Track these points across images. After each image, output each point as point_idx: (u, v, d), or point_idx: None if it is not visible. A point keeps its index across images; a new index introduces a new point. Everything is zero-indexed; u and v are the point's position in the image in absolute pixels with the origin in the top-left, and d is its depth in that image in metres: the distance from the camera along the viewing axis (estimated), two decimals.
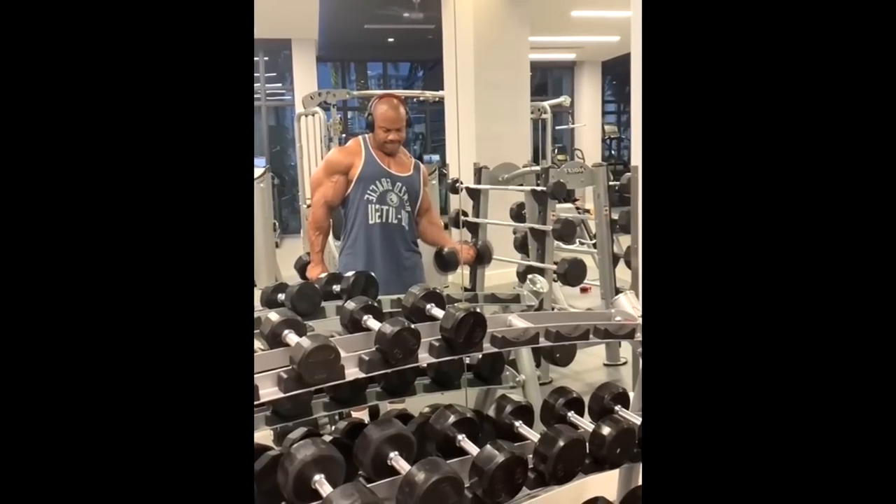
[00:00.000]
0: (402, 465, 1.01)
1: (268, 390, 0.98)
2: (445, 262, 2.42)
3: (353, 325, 1.18)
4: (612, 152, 10.97)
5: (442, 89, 5.47)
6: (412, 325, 1.08)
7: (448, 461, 1.05)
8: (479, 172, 3.43)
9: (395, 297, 1.55)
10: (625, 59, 2.60)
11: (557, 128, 8.22)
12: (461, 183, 3.44)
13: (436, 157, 8.70)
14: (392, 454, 1.03)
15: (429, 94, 6.06)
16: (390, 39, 8.80)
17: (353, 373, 1.05)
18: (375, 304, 1.21)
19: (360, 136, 2.46)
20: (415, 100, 7.86)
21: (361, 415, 1.65)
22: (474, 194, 3.38)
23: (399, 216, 2.37)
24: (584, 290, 4.27)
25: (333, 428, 1.36)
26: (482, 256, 2.70)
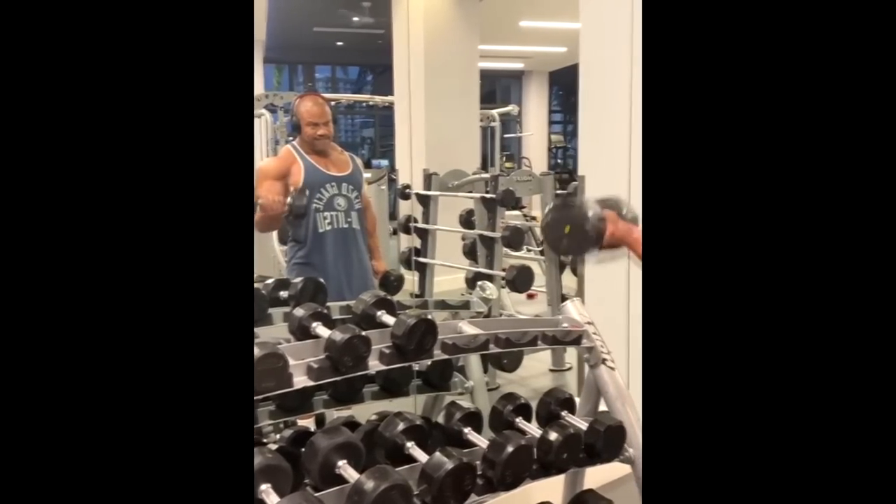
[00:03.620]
0: (350, 474, 1.00)
1: None
2: (389, 287, 2.43)
3: (301, 332, 1.16)
4: (559, 161, 11.16)
5: (391, 94, 5.47)
6: (362, 333, 1.07)
7: (397, 469, 1.04)
8: (428, 179, 3.44)
9: (344, 303, 1.54)
10: (571, 70, 2.66)
11: (506, 136, 8.31)
12: (411, 189, 3.44)
13: (385, 163, 8.66)
14: (340, 462, 1.02)
15: (378, 98, 6.04)
16: (339, 43, 8.74)
17: (301, 381, 1.03)
18: (325, 311, 1.20)
19: (287, 145, 2.42)
20: (364, 104, 7.82)
21: (308, 423, 1.63)
22: (424, 200, 3.39)
23: (349, 219, 2.35)
24: (530, 296, 4.32)
25: (279, 436, 1.34)
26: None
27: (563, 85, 11.04)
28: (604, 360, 1.39)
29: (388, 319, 1.15)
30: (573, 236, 1.17)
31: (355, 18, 6.97)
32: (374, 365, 1.10)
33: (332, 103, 2.46)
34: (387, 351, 1.10)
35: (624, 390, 1.39)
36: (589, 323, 1.43)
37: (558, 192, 3.31)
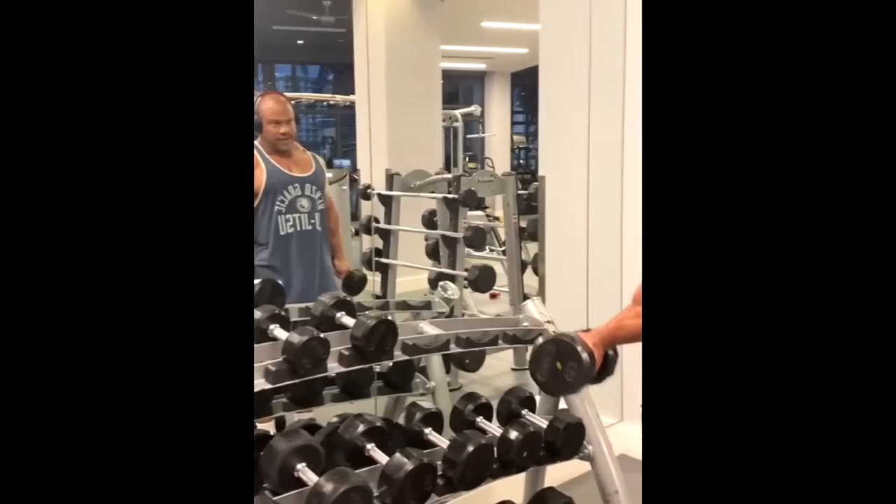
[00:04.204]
0: (309, 477, 0.99)
1: None
2: (352, 288, 2.42)
3: (259, 334, 1.15)
4: (521, 161, 11.24)
5: (352, 93, 5.43)
6: (321, 334, 1.06)
7: (357, 471, 1.04)
8: (391, 179, 3.43)
9: (303, 305, 1.52)
10: (533, 71, 2.68)
11: (469, 136, 8.34)
12: (373, 189, 3.42)
13: (346, 162, 8.60)
14: (299, 466, 1.01)
15: (339, 98, 6.00)
16: (300, 41, 8.64)
17: (259, 384, 1.02)
18: (282, 313, 1.18)
19: None
20: (325, 103, 7.76)
21: (267, 426, 1.60)
22: (386, 201, 3.37)
23: (312, 220, 2.33)
24: (493, 296, 4.34)
25: None
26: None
27: (525, 86, 11.13)
28: None
29: (348, 321, 1.14)
30: (569, 370, 1.19)
31: (315, 17, 6.90)
32: (334, 367, 1.10)
33: (293, 102, 2.43)
34: (346, 353, 1.10)
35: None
36: (549, 321, 1.45)
37: (519, 192, 3.33)
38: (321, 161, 2.47)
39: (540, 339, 1.39)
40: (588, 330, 1.27)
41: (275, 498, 0.97)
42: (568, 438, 1.27)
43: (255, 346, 1.10)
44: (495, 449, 1.19)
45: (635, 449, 2.38)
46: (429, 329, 1.25)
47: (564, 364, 1.20)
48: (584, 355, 1.19)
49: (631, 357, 2.58)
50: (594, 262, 2.51)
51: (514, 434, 1.20)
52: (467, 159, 8.25)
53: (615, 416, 2.64)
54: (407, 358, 1.21)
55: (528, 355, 1.35)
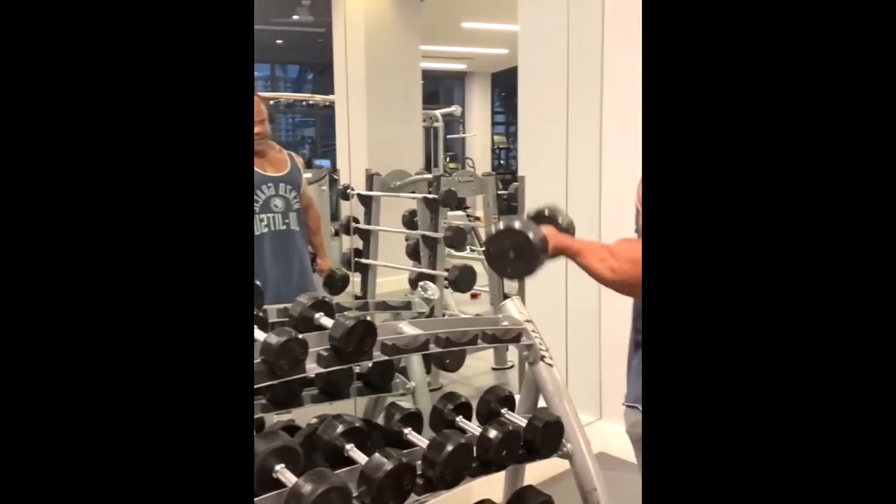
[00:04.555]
0: (288, 478, 0.99)
1: None
2: (334, 287, 2.42)
3: None
4: (502, 162, 11.28)
5: (332, 93, 5.40)
6: (299, 335, 1.06)
7: (336, 471, 1.04)
8: (370, 179, 3.42)
9: (282, 306, 1.52)
10: (513, 72, 2.69)
11: (449, 136, 8.34)
12: (352, 189, 3.41)
13: (326, 163, 8.56)
14: (278, 467, 1.00)
15: (318, 97, 5.97)
16: (279, 41, 8.58)
17: None
18: (260, 314, 1.18)
19: None
20: (304, 103, 7.72)
21: None
22: (366, 201, 3.37)
23: (287, 220, 2.31)
24: (474, 296, 4.35)
25: None
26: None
27: (506, 87, 11.16)
28: (542, 358, 1.42)
29: (327, 321, 1.14)
30: (518, 261, 1.19)
31: (295, 17, 6.86)
32: (312, 368, 1.09)
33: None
34: (325, 353, 1.09)
35: (562, 386, 1.41)
36: (528, 321, 1.45)
37: (500, 192, 3.35)
38: (297, 160, 2.46)
39: (523, 339, 1.40)
40: (558, 228, 1.27)
41: (254, 499, 0.97)
42: (547, 437, 1.28)
43: None
44: (475, 448, 1.19)
45: (614, 447, 2.41)
46: (408, 329, 1.25)
47: (517, 254, 1.20)
48: (539, 253, 1.18)
49: (609, 356, 2.60)
50: (572, 262, 2.52)
51: (493, 433, 1.20)
52: (448, 159, 8.26)
53: (594, 415, 2.67)
54: (386, 358, 1.21)
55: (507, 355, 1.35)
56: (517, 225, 1.24)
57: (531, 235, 1.18)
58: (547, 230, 1.21)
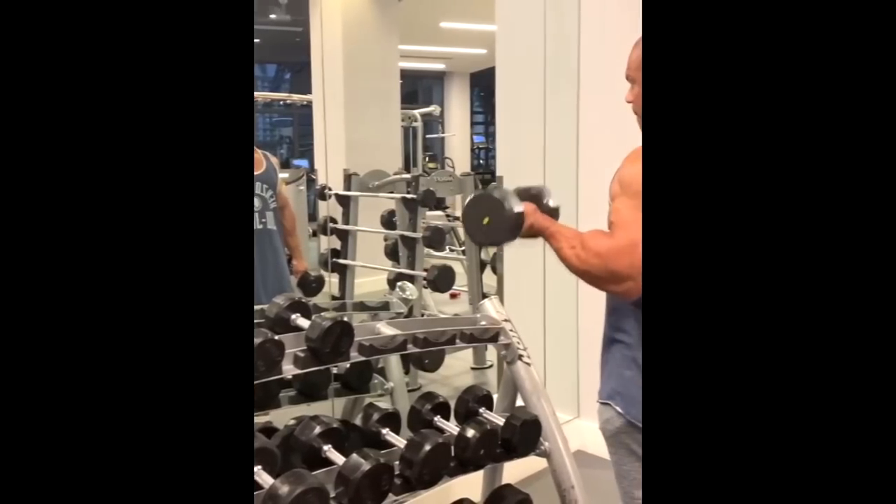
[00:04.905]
0: (264, 479, 0.98)
1: None
2: (308, 289, 2.40)
3: None
4: (481, 161, 11.29)
5: (310, 93, 5.37)
6: (275, 336, 1.05)
7: (314, 472, 1.03)
8: (348, 179, 3.41)
9: (258, 307, 1.51)
10: (492, 72, 2.70)
11: (429, 136, 8.33)
12: (330, 189, 3.39)
13: (304, 162, 8.50)
14: (255, 468, 1.00)
15: (296, 97, 5.93)
16: (256, 40, 8.51)
17: None
18: None
19: None
20: (282, 102, 7.65)
21: None
22: (344, 201, 3.35)
23: (263, 219, 2.30)
24: (453, 296, 4.35)
25: None
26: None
27: (484, 87, 11.18)
28: (520, 357, 1.42)
29: (303, 322, 1.13)
30: (491, 228, 1.20)
31: (272, 16, 6.80)
32: (289, 369, 1.09)
33: None
34: (301, 355, 1.09)
35: (540, 385, 1.42)
36: (506, 320, 1.46)
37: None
38: (273, 159, 2.45)
39: (501, 339, 1.40)
40: (541, 208, 1.27)
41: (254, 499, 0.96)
42: (524, 435, 1.29)
43: None
44: (452, 447, 1.20)
45: (591, 445, 2.42)
46: (385, 329, 1.25)
47: (491, 221, 1.21)
48: (512, 226, 1.19)
49: (587, 355, 2.62)
50: (550, 260, 2.54)
51: (471, 432, 1.21)
52: (427, 159, 8.24)
53: (572, 413, 2.68)
54: (364, 359, 1.21)
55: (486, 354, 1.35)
56: (496, 194, 1.24)
57: (507, 206, 1.18)
58: (527, 207, 1.22)
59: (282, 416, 1.36)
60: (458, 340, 1.35)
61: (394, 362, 1.86)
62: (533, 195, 1.34)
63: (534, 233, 1.24)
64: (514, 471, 1.66)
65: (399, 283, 2.18)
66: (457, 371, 3.44)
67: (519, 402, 1.44)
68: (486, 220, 1.20)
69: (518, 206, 1.20)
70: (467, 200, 1.32)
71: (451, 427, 1.29)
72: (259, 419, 1.50)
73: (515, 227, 1.18)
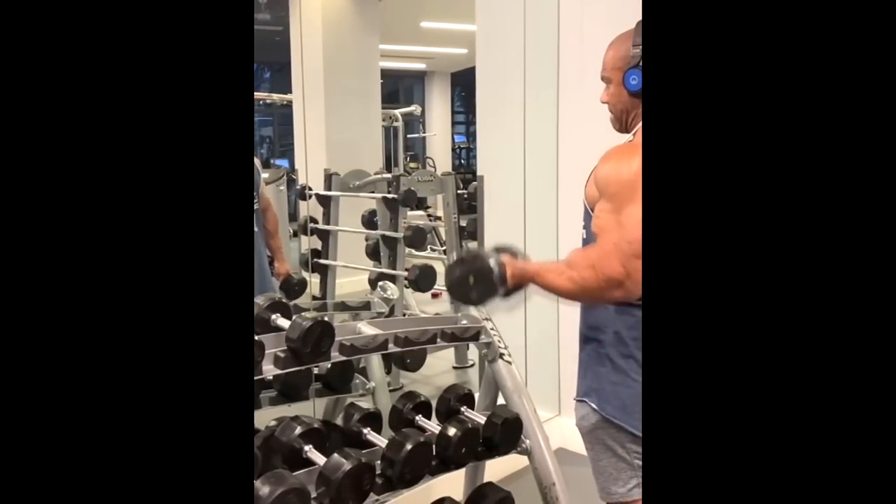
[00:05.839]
0: None
1: None
2: (290, 292, 2.40)
3: None
4: (462, 161, 11.30)
5: (290, 92, 5.34)
6: (256, 337, 1.05)
7: (295, 473, 1.03)
8: (329, 179, 3.39)
9: None
10: (472, 72, 2.71)
11: (410, 136, 8.32)
12: (311, 189, 3.38)
13: (284, 162, 8.44)
14: None
15: (276, 96, 5.89)
16: None
17: None
18: None
19: None
20: (262, 102, 7.60)
21: None
22: (325, 201, 3.33)
23: None
24: (435, 296, 4.35)
25: None
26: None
27: (465, 86, 11.19)
28: (501, 355, 1.43)
29: (284, 322, 1.13)
30: (479, 286, 1.22)
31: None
32: (269, 370, 1.08)
33: None
34: (282, 355, 1.09)
35: (520, 383, 1.43)
36: (487, 319, 1.47)
37: (460, 191, 3.36)
38: (255, 160, 2.43)
39: (482, 337, 1.41)
40: (515, 255, 1.30)
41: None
42: (506, 433, 1.30)
43: None
44: (434, 446, 1.20)
45: (573, 442, 2.44)
46: (366, 329, 1.25)
47: (476, 280, 1.22)
48: (498, 277, 1.21)
49: (567, 353, 2.64)
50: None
51: (452, 431, 1.21)
52: (408, 159, 8.24)
53: (553, 411, 2.70)
54: (345, 359, 1.21)
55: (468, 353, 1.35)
56: (472, 253, 1.28)
57: (485, 258, 1.22)
58: (505, 257, 1.25)
59: (263, 418, 1.35)
60: (439, 339, 1.35)
61: (375, 362, 1.86)
62: (505, 248, 1.36)
63: (519, 281, 1.25)
64: (496, 469, 1.67)
65: (380, 283, 2.18)
66: (438, 370, 3.44)
67: (500, 401, 1.45)
68: (471, 280, 1.22)
69: (496, 256, 1.23)
70: (446, 268, 1.34)
71: (433, 426, 1.29)
72: None
73: (500, 277, 1.20)
